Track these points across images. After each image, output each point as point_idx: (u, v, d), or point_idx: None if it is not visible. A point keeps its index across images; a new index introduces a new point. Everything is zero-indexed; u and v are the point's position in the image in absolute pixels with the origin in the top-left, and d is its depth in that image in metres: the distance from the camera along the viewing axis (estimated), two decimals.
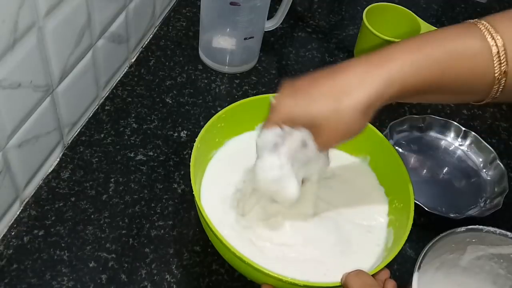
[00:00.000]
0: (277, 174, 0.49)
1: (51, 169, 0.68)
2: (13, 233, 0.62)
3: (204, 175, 0.61)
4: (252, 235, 0.56)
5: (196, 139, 0.57)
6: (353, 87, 0.46)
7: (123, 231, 0.63)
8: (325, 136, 0.48)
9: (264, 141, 0.50)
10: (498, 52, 0.45)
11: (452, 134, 0.78)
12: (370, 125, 0.63)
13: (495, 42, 0.45)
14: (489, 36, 0.45)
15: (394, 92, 0.46)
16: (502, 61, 0.45)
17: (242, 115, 0.64)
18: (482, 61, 0.46)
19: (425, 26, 0.84)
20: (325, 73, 0.48)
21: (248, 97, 0.80)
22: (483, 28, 0.46)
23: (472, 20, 0.48)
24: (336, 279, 0.51)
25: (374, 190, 0.64)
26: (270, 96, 0.55)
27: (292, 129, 0.49)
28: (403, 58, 0.46)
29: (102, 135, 0.73)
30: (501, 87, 0.47)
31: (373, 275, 0.51)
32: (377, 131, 0.63)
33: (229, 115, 0.62)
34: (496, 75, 0.46)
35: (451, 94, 0.49)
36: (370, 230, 0.60)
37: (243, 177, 0.61)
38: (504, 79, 0.46)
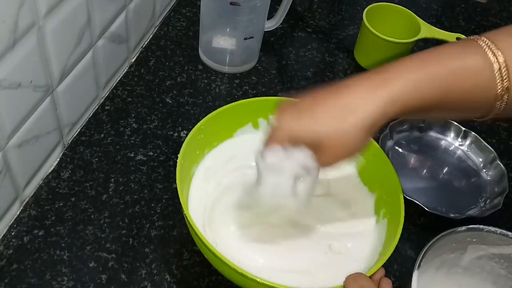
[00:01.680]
0: (280, 194, 0.50)
1: (51, 169, 0.68)
2: (13, 233, 0.62)
3: (190, 190, 0.61)
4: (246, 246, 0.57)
5: (178, 155, 0.57)
6: (357, 106, 0.46)
7: (123, 231, 0.63)
8: (329, 155, 0.48)
9: (267, 162, 0.49)
10: (499, 68, 0.45)
11: (452, 134, 0.78)
12: None
13: (497, 58, 0.45)
14: (490, 53, 0.45)
15: (397, 110, 0.46)
16: (504, 78, 0.45)
17: (221, 124, 0.64)
18: (484, 78, 0.46)
19: (425, 26, 0.84)
20: (328, 91, 0.48)
21: (248, 97, 0.81)
22: (483, 45, 0.46)
23: (472, 37, 0.48)
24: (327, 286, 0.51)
25: (357, 190, 0.64)
26: (270, 117, 0.55)
27: (294, 149, 0.49)
28: (406, 77, 0.46)
29: (102, 135, 0.73)
30: (503, 104, 0.47)
31: (369, 277, 0.51)
32: None
33: (208, 126, 0.62)
34: (498, 91, 0.46)
35: (454, 111, 0.50)
36: (360, 233, 0.60)
37: (232, 188, 0.62)
38: (506, 95, 0.46)
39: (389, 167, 0.60)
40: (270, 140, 0.49)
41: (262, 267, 0.55)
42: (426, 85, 0.45)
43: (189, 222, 0.53)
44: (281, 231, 0.58)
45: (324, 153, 0.48)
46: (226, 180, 0.63)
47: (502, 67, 0.45)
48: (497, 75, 0.45)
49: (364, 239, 0.59)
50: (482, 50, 0.46)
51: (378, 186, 0.62)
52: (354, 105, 0.46)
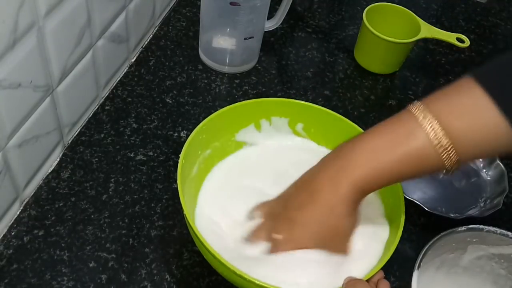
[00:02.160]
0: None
1: (51, 169, 0.68)
2: (13, 233, 0.62)
3: (199, 194, 0.62)
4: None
5: (180, 155, 0.57)
6: (330, 204, 0.51)
7: (123, 231, 0.63)
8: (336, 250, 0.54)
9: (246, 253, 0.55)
10: (446, 149, 0.47)
11: None
12: (339, 115, 0.65)
13: (440, 140, 0.47)
14: (434, 135, 0.47)
15: (362, 192, 0.52)
16: (452, 155, 0.47)
17: (223, 125, 0.64)
18: (432, 158, 0.48)
19: (425, 26, 0.84)
20: (299, 195, 0.54)
21: (248, 97, 0.81)
22: (427, 126, 0.47)
23: (414, 108, 0.49)
24: None
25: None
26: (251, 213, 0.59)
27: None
28: (366, 166, 0.50)
29: (102, 135, 0.73)
30: (455, 167, 0.48)
31: (367, 280, 0.52)
32: (347, 120, 0.64)
33: (209, 126, 0.62)
34: (447, 166, 0.48)
35: (409, 178, 0.53)
36: (361, 234, 0.60)
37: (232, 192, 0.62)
38: (457, 163, 0.48)
39: None
40: (251, 239, 0.56)
41: (260, 263, 0.55)
42: (382, 173, 0.50)
43: (189, 222, 0.53)
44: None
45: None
46: (227, 180, 0.63)
47: (448, 147, 0.47)
48: (444, 155, 0.47)
49: (364, 240, 0.59)
50: (425, 133, 0.47)
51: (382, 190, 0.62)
52: (327, 204, 0.52)
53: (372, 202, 0.62)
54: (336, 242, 0.54)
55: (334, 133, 0.65)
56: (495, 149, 0.51)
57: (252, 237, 0.56)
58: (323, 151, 0.65)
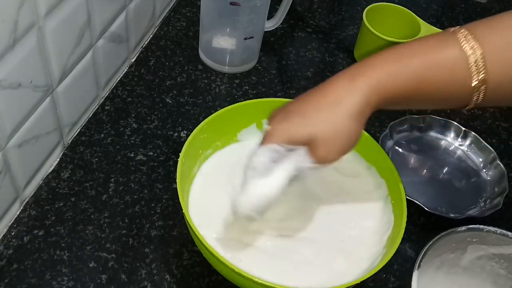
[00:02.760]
0: (268, 195, 0.49)
1: (51, 169, 0.68)
2: (13, 233, 0.62)
3: (191, 189, 0.61)
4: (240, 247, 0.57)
5: (180, 154, 0.57)
6: (341, 99, 0.47)
7: (123, 231, 0.63)
8: (324, 150, 0.48)
9: (259, 161, 0.49)
10: (476, 61, 0.46)
11: (452, 134, 0.78)
12: None
13: (474, 51, 0.46)
14: (467, 46, 0.46)
15: (377, 99, 0.48)
16: (481, 70, 0.46)
17: (224, 124, 0.64)
18: (459, 71, 0.46)
19: (425, 26, 0.84)
20: (314, 91, 0.50)
21: (248, 97, 0.81)
22: (461, 37, 0.46)
23: (452, 28, 0.48)
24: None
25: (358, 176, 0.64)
26: (263, 122, 0.55)
27: (286, 150, 0.49)
28: (380, 69, 0.47)
29: (102, 135, 0.73)
30: (481, 95, 0.47)
31: None
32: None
33: (211, 126, 0.62)
34: (474, 84, 0.46)
35: (432, 102, 0.51)
36: (361, 235, 0.60)
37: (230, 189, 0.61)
38: (483, 87, 0.47)
39: (394, 174, 0.60)
40: (264, 142, 0.50)
41: (260, 263, 0.55)
42: (400, 77, 0.47)
43: (188, 222, 0.53)
44: (283, 229, 0.58)
45: (319, 149, 0.48)
46: (228, 180, 0.63)
47: (478, 60, 0.46)
48: (473, 68, 0.46)
49: (365, 240, 0.59)
50: (459, 43, 0.46)
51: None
52: (338, 96, 0.48)
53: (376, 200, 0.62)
54: (328, 141, 0.48)
55: None
56: None
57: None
58: None
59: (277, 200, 0.50)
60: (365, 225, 0.60)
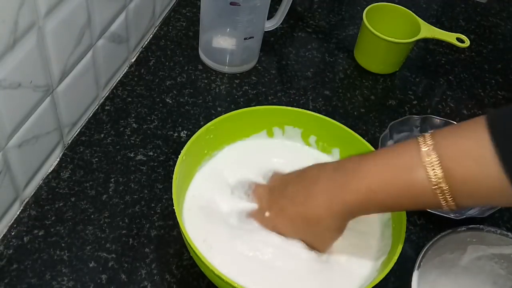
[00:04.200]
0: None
1: (51, 169, 0.68)
2: (13, 233, 0.62)
3: (189, 188, 0.61)
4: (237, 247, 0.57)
5: (181, 152, 0.58)
6: (322, 217, 0.53)
7: (123, 231, 0.63)
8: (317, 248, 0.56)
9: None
10: (443, 192, 0.46)
11: None
12: (336, 122, 0.64)
13: (438, 183, 0.46)
14: (433, 175, 0.46)
15: (352, 216, 0.53)
16: (448, 198, 0.46)
17: (232, 127, 0.64)
18: (430, 197, 0.47)
19: (425, 26, 0.84)
20: (296, 193, 0.55)
21: (248, 97, 0.81)
22: (428, 165, 0.46)
23: (421, 144, 0.48)
24: None
25: None
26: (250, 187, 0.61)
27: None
28: (361, 192, 0.50)
29: (102, 135, 0.73)
30: (453, 208, 0.47)
31: None
32: (343, 127, 0.64)
33: (218, 127, 0.62)
34: (443, 207, 0.47)
35: (412, 207, 0.52)
36: (363, 238, 0.59)
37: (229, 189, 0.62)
38: (453, 208, 0.47)
39: None
40: (252, 217, 0.58)
41: (254, 269, 0.55)
42: (375, 200, 0.50)
43: (178, 220, 0.53)
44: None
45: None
46: (229, 181, 0.63)
47: (443, 187, 0.46)
48: (440, 197, 0.46)
49: (365, 250, 0.59)
50: (425, 172, 0.46)
51: None
52: (319, 217, 0.53)
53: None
54: (317, 243, 0.56)
55: (345, 149, 0.64)
56: (493, 202, 0.51)
57: (249, 215, 0.58)
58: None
59: None
60: (364, 244, 0.60)
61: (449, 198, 0.46)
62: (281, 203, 0.56)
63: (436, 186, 0.46)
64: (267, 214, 0.57)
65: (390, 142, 0.75)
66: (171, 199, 0.66)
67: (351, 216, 0.53)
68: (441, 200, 0.46)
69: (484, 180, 0.45)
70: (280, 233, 0.56)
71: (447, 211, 0.49)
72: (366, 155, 0.52)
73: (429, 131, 0.49)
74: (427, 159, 0.46)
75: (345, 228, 0.54)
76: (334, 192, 0.52)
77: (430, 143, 0.47)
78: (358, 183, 0.50)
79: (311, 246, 0.56)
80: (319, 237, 0.56)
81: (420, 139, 0.48)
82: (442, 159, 0.46)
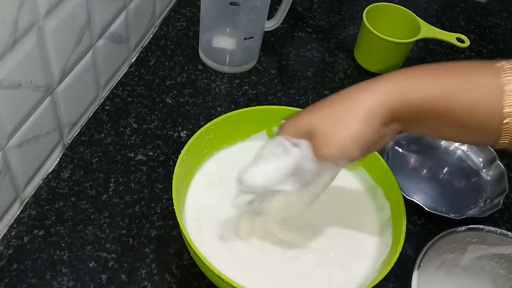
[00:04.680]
0: (268, 178, 0.49)
1: (51, 169, 0.68)
2: (13, 233, 0.62)
3: (189, 188, 0.61)
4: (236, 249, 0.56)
5: (181, 151, 0.57)
6: (353, 94, 0.46)
7: (123, 231, 0.63)
8: (322, 143, 0.46)
9: (264, 150, 0.49)
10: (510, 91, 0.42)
11: None
12: None
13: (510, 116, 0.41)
14: (506, 75, 0.42)
15: (395, 105, 0.44)
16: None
17: (232, 127, 0.64)
18: (492, 96, 0.42)
19: (425, 26, 0.84)
20: (333, 95, 0.48)
21: (248, 97, 0.81)
22: (500, 67, 0.43)
23: (498, 66, 0.43)
24: None
25: (361, 196, 0.63)
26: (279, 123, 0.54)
27: (292, 144, 0.48)
28: (406, 76, 0.45)
29: (102, 135, 0.73)
30: (510, 129, 0.43)
31: None
32: None
33: (218, 127, 0.62)
34: (504, 112, 0.42)
35: (461, 127, 0.45)
36: (363, 238, 0.59)
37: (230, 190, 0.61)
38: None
39: (394, 185, 0.59)
40: (274, 136, 0.50)
41: (253, 270, 0.55)
42: (427, 88, 0.44)
43: (178, 219, 0.53)
44: (278, 236, 0.58)
45: (318, 142, 0.46)
46: (230, 182, 0.62)
47: None
48: (505, 97, 0.42)
49: (365, 249, 0.59)
50: (497, 71, 0.42)
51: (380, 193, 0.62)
52: (350, 95, 0.46)
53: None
54: (327, 135, 0.46)
55: None
56: None
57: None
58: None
59: (275, 189, 0.49)
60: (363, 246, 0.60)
61: None
62: (308, 109, 0.49)
63: (509, 119, 0.41)
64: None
65: (390, 143, 0.75)
66: (171, 199, 0.66)
67: (390, 107, 0.44)
68: (504, 133, 0.42)
69: None
70: (295, 128, 0.48)
71: (499, 147, 0.43)
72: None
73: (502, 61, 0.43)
74: (506, 88, 0.41)
75: (377, 131, 0.45)
76: (378, 77, 0.45)
77: (509, 68, 0.42)
78: (411, 71, 0.45)
79: (321, 142, 0.46)
80: (336, 122, 0.45)
81: (504, 63, 0.43)
82: None
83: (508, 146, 0.43)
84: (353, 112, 0.45)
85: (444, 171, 0.75)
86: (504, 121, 0.42)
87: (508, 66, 0.42)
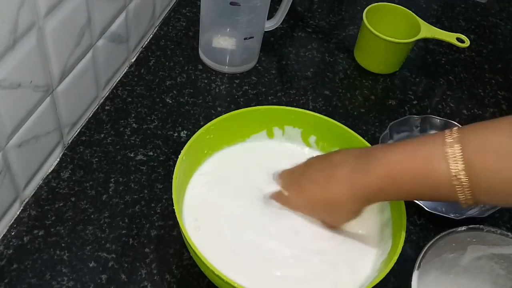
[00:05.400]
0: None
1: (51, 169, 0.68)
2: (13, 233, 0.62)
3: (188, 188, 0.61)
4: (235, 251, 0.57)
5: (181, 151, 0.57)
6: (342, 201, 0.54)
7: (123, 231, 0.63)
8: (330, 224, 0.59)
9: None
10: (461, 184, 0.46)
11: None
12: (336, 122, 0.64)
13: (457, 174, 0.46)
14: (454, 166, 0.46)
15: (372, 199, 0.54)
16: (466, 191, 0.46)
17: (232, 127, 0.64)
18: (447, 189, 0.47)
19: (425, 26, 0.84)
20: (321, 171, 0.57)
21: (248, 97, 0.81)
22: (450, 155, 0.46)
23: (446, 136, 0.48)
24: None
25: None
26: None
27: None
28: (383, 179, 0.51)
29: (102, 135, 0.73)
30: (470, 203, 0.47)
31: None
32: (343, 127, 0.64)
33: (218, 127, 0.62)
34: (461, 200, 0.47)
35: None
36: (363, 238, 0.59)
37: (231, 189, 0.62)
38: (470, 203, 0.47)
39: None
40: (273, 197, 0.60)
41: (254, 270, 0.55)
42: (394, 187, 0.51)
43: (177, 218, 0.53)
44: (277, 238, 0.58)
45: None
46: (229, 182, 0.63)
47: (462, 179, 0.46)
48: (458, 189, 0.46)
49: (365, 250, 0.59)
50: (444, 156, 0.46)
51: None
52: (340, 201, 0.55)
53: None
54: (331, 222, 0.58)
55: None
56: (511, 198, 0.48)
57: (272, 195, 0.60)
58: None
59: None
60: (366, 233, 0.60)
61: (468, 191, 0.46)
62: (302, 183, 0.58)
63: (455, 177, 0.46)
64: (286, 193, 0.59)
65: (390, 142, 0.75)
66: (171, 199, 0.66)
67: (370, 201, 0.54)
68: (459, 193, 0.46)
69: (503, 172, 0.44)
70: (298, 211, 0.58)
71: (465, 207, 0.48)
72: (393, 144, 0.54)
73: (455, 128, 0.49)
74: (449, 150, 0.46)
75: (361, 212, 0.55)
76: (356, 176, 0.53)
77: (456, 136, 0.47)
78: (381, 169, 0.51)
79: (325, 223, 0.58)
80: (335, 217, 0.57)
81: (447, 132, 0.48)
82: (465, 151, 0.46)
83: (469, 203, 0.47)
84: (345, 213, 0.57)
85: None
86: (455, 184, 0.46)
87: (453, 135, 0.47)
